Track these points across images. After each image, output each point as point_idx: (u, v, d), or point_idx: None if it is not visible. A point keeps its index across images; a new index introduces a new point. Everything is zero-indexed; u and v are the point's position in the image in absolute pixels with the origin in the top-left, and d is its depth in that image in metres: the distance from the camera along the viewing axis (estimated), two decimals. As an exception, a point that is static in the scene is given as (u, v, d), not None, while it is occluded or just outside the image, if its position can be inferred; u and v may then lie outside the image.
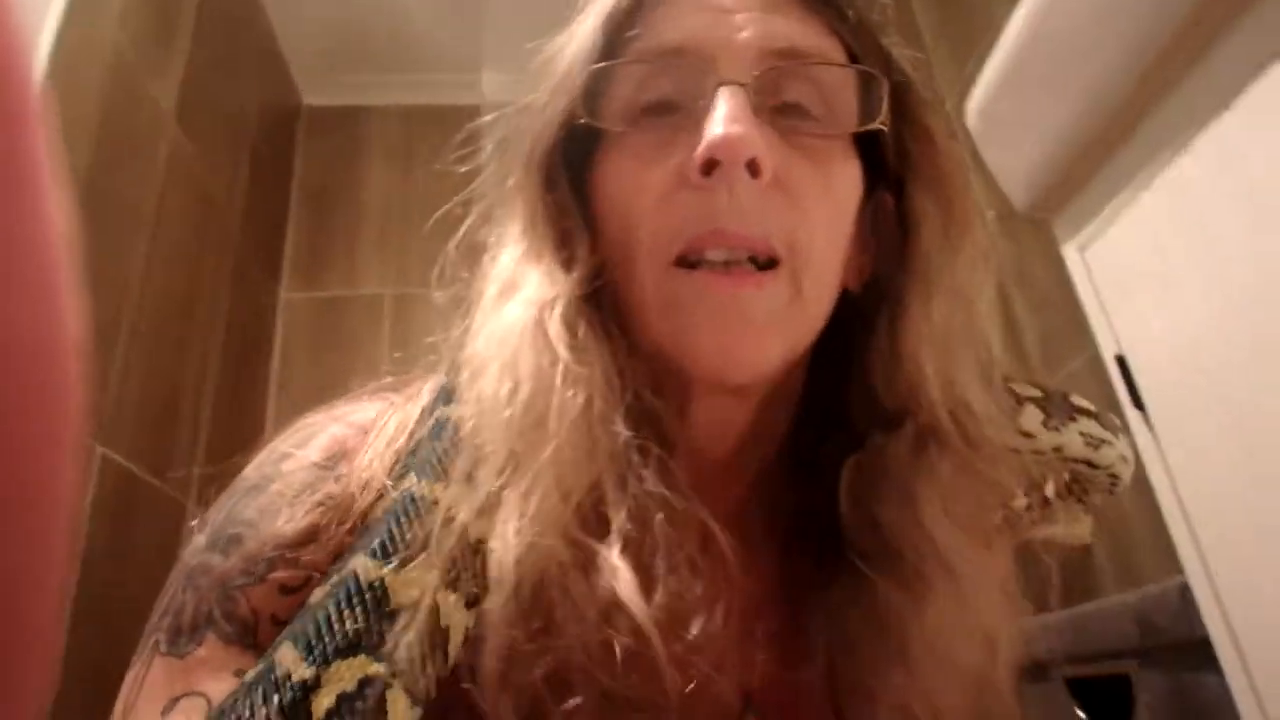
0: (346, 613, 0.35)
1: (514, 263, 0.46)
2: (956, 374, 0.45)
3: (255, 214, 1.89)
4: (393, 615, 0.35)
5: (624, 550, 0.38)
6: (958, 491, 0.44)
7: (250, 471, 0.46)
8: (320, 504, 0.43)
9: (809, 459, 0.49)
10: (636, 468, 0.40)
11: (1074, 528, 0.77)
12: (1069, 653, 0.98)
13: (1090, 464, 0.56)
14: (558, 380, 0.41)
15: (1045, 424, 0.53)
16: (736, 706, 0.44)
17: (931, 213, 0.47)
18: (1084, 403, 0.56)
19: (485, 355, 0.43)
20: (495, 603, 0.37)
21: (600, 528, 0.39)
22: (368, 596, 0.35)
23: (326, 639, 0.34)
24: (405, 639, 0.34)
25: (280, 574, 0.41)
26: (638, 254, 0.43)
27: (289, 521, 0.42)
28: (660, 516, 0.39)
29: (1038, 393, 0.55)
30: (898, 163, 0.49)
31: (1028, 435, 0.53)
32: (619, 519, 0.39)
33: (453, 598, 0.37)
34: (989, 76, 1.02)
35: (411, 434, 0.45)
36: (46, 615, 0.17)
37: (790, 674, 0.45)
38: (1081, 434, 0.55)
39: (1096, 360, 1.01)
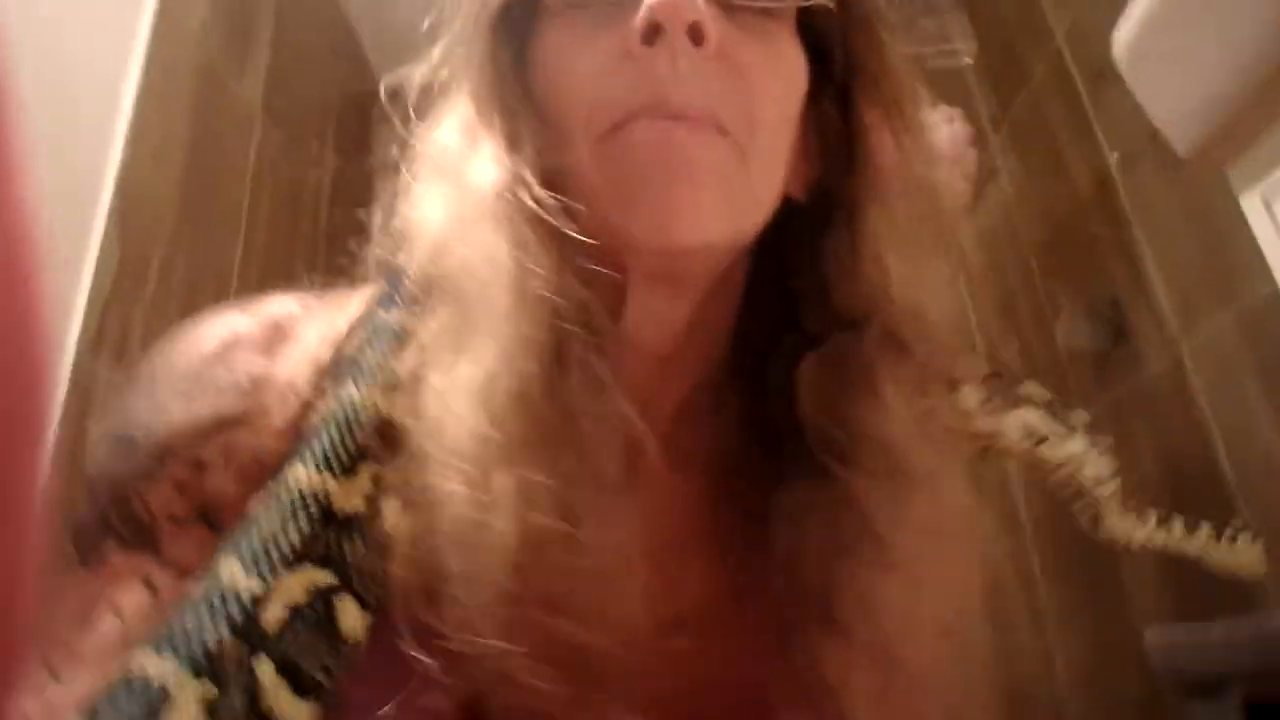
0: (290, 524, 0.34)
1: (462, 131, 0.45)
2: (921, 275, 0.45)
3: (340, 200, 1.89)
4: (337, 524, 0.34)
5: (534, 460, 0.37)
6: (920, 392, 0.44)
7: (143, 370, 0.44)
8: (217, 397, 0.41)
9: (754, 364, 0.47)
10: (565, 365, 0.39)
11: (1234, 559, 0.71)
12: (1252, 671, 0.89)
13: (1033, 458, 0.55)
14: (507, 271, 0.40)
15: (983, 405, 0.52)
16: (665, 628, 0.42)
17: (880, 119, 0.46)
18: (1038, 394, 0.55)
19: (432, 236, 0.42)
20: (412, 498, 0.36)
21: (521, 428, 0.37)
22: (311, 507, 0.35)
23: (272, 551, 0.34)
24: (350, 547, 0.34)
25: (175, 472, 0.40)
26: (575, 130, 0.41)
27: (181, 417, 0.41)
28: (583, 422, 0.38)
29: (986, 371, 0.54)
30: (844, 69, 0.47)
31: (963, 414, 0.52)
32: (515, 433, 0.37)
33: (395, 504, 0.36)
34: (1142, 4, 0.91)
35: (340, 346, 0.43)
36: (21, 607, 0.17)
37: (732, 599, 0.44)
38: (1024, 425, 0.54)
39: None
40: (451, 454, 0.37)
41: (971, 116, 1.54)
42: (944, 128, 1.42)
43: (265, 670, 0.31)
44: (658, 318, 0.45)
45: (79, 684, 0.33)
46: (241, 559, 0.33)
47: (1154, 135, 1.21)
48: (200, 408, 0.41)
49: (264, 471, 0.39)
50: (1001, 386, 0.54)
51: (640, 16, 0.39)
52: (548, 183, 0.41)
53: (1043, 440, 0.55)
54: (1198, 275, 1.17)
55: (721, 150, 0.41)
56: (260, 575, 0.33)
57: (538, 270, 0.39)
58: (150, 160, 1.15)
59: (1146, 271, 1.28)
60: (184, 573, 0.37)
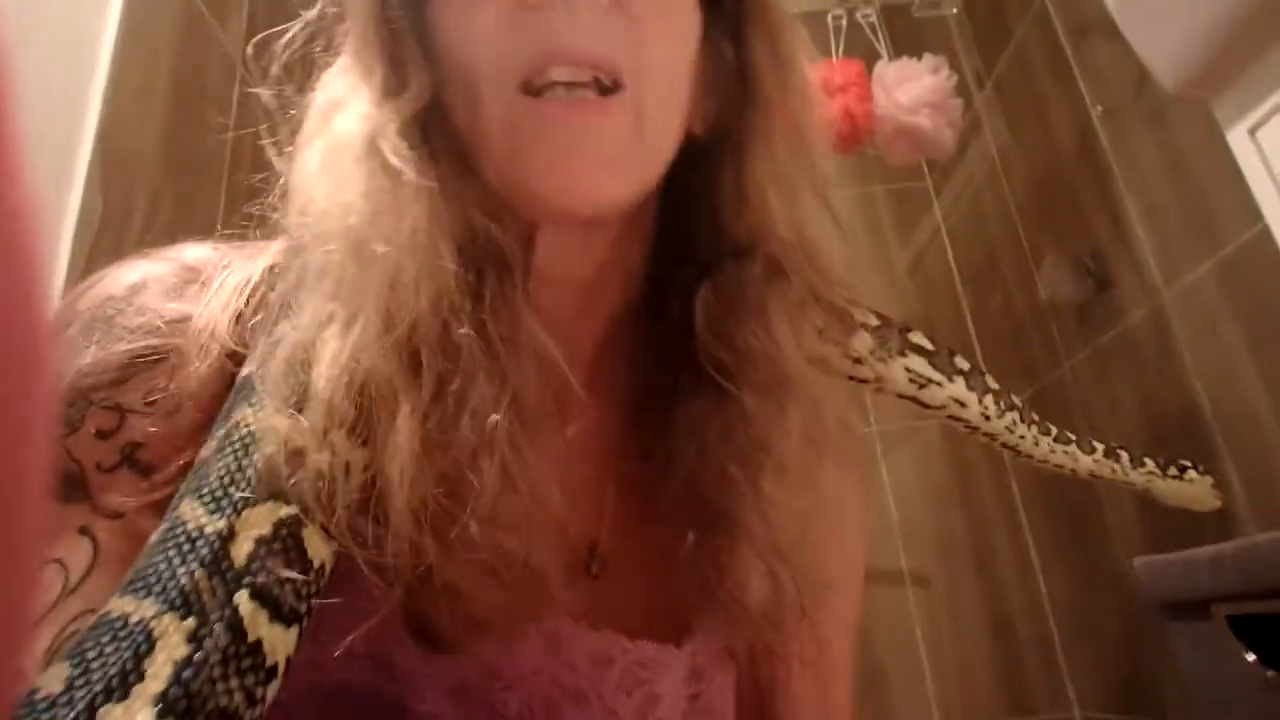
0: (246, 463, 0.35)
1: (344, 82, 0.45)
2: (798, 207, 0.48)
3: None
4: (292, 459, 0.35)
5: (437, 396, 0.38)
6: (803, 314, 0.48)
7: (56, 320, 0.44)
8: (128, 341, 0.41)
9: (663, 294, 0.50)
10: (463, 302, 0.39)
11: (1184, 492, 0.77)
12: (1234, 590, 0.92)
13: (917, 401, 0.60)
14: (385, 202, 0.40)
15: (873, 353, 0.56)
16: (580, 556, 0.46)
17: (765, 59, 0.48)
18: (923, 342, 0.60)
19: (312, 176, 0.42)
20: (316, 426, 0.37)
21: (415, 369, 0.38)
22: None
23: (232, 490, 0.34)
24: (307, 480, 0.35)
25: (96, 419, 0.40)
26: (480, 82, 0.42)
27: (93, 363, 0.40)
28: (489, 355, 0.39)
29: (875, 322, 0.57)
30: (735, 11, 0.49)
31: (855, 360, 0.56)
32: (434, 363, 0.38)
33: (343, 436, 0.37)
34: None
35: (254, 295, 0.44)
36: (19, 597, 0.17)
37: (644, 525, 0.47)
38: (907, 369, 0.59)
39: (1261, 242, 0.93)
40: (366, 401, 0.38)
41: (956, 67, 1.54)
42: (928, 77, 1.42)
43: (243, 600, 0.32)
44: (569, 255, 0.47)
45: (35, 640, 0.33)
46: (203, 501, 0.34)
47: (1138, 88, 1.22)
48: (112, 352, 0.41)
49: (191, 414, 0.40)
50: (889, 334, 0.59)
51: None
52: (445, 126, 0.44)
53: (924, 385, 0.61)
54: (1179, 225, 1.19)
55: (619, 116, 0.42)
56: (223, 513, 0.34)
57: (402, 220, 0.40)
58: (131, 110, 1.13)
59: (1128, 222, 1.30)
60: (119, 518, 0.38)
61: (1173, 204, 1.21)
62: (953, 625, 1.60)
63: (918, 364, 0.61)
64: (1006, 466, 1.66)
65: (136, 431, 0.40)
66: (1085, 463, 0.77)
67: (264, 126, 0.47)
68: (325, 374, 0.37)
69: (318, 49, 0.49)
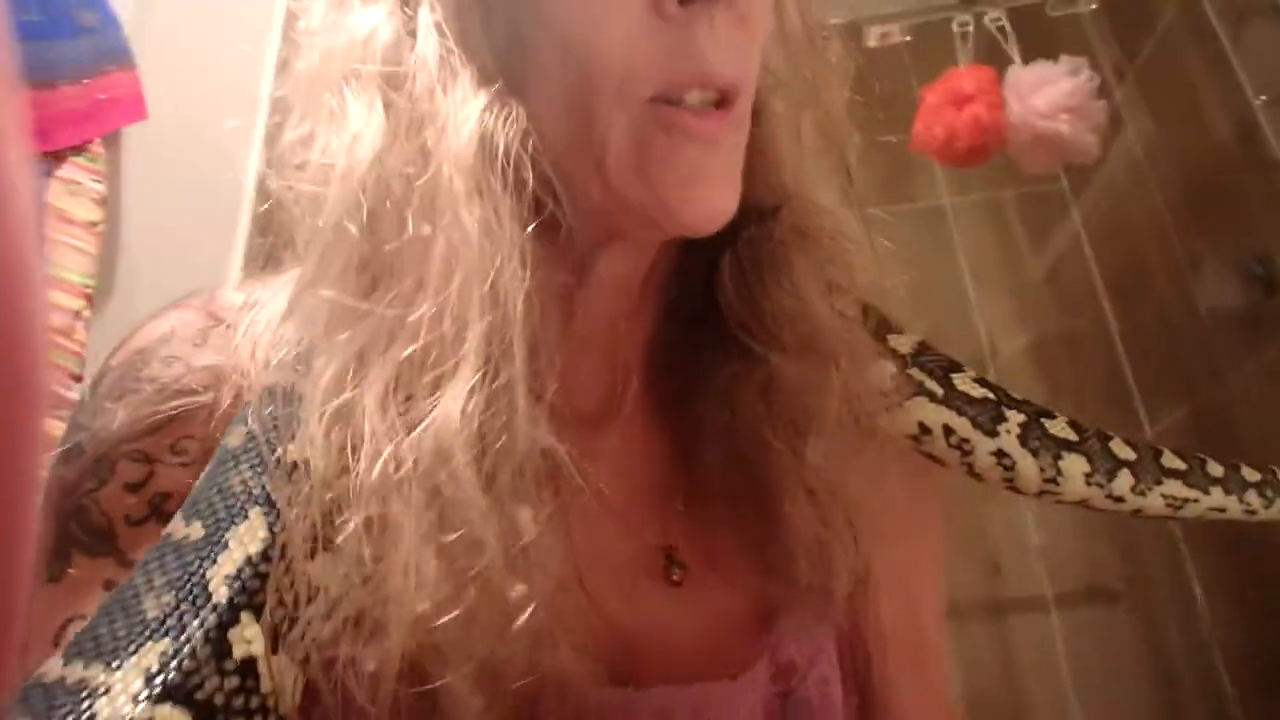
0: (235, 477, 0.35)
1: (428, 73, 0.38)
2: (812, 174, 0.46)
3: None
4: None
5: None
6: (828, 275, 0.46)
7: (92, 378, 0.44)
8: (155, 393, 0.41)
9: (686, 272, 0.49)
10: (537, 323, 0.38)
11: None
12: None
13: (932, 457, 0.52)
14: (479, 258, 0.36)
15: (894, 380, 0.51)
16: (660, 563, 0.45)
17: (798, 35, 0.46)
18: (936, 388, 0.51)
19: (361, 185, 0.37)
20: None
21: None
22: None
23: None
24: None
25: (125, 473, 0.39)
26: (600, 93, 0.38)
27: (122, 417, 0.40)
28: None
29: (908, 350, 0.52)
30: None
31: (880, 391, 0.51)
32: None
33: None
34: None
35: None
36: (13, 592, 0.17)
37: (709, 527, 0.46)
38: (920, 418, 0.51)
39: None
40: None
41: (1094, 65, 1.45)
42: (1066, 80, 1.34)
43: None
44: (636, 263, 0.46)
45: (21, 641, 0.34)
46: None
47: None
48: (139, 405, 0.41)
49: None
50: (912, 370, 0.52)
51: None
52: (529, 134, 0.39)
53: (923, 437, 0.52)
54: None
55: (738, 130, 0.41)
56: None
57: (511, 263, 0.37)
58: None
59: (1301, 221, 1.18)
60: None
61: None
62: (1104, 662, 1.50)
63: (926, 411, 0.52)
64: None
65: (165, 481, 0.40)
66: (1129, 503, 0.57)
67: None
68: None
69: None
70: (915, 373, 0.50)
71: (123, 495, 0.40)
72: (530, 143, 0.38)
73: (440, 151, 0.37)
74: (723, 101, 0.40)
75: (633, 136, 0.39)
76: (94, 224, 1.03)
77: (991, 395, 0.51)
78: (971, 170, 1.60)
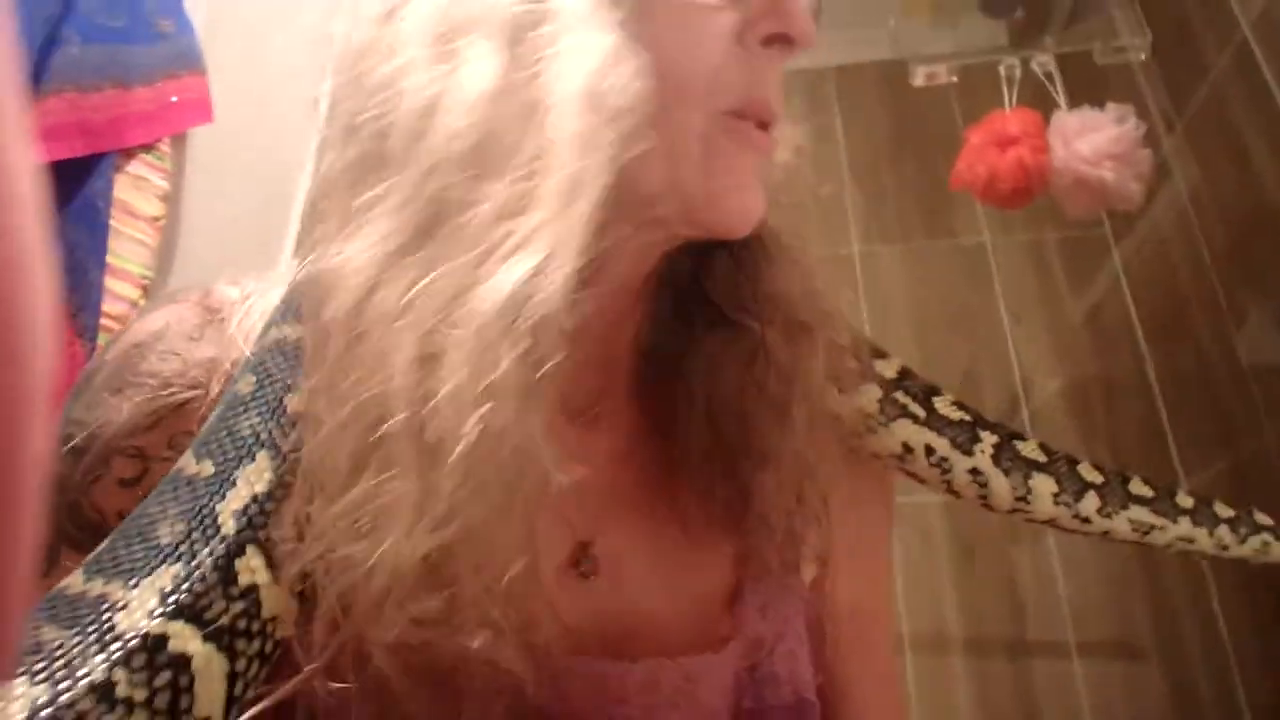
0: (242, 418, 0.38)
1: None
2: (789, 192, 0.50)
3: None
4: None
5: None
6: (804, 270, 0.49)
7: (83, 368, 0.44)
8: (150, 388, 0.41)
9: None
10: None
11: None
12: None
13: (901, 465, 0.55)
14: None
15: (880, 403, 0.53)
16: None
17: None
18: (919, 410, 0.54)
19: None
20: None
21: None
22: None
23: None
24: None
25: (118, 468, 0.40)
26: (684, 99, 0.42)
27: (116, 410, 0.40)
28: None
29: (892, 375, 0.54)
30: None
31: (865, 413, 0.54)
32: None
33: None
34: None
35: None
36: (14, 573, 0.17)
37: (684, 509, 0.48)
38: (903, 438, 0.53)
39: None
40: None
41: (1143, 113, 1.45)
42: (1112, 127, 1.34)
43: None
44: (645, 262, 0.48)
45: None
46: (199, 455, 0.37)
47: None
48: (137, 401, 0.41)
49: None
50: (892, 396, 0.55)
51: (778, 27, 0.43)
52: None
53: (907, 455, 0.55)
54: None
55: (772, 151, 0.46)
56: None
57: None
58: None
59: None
60: None
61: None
62: (1130, 714, 1.47)
63: (909, 431, 0.54)
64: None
65: (160, 478, 0.39)
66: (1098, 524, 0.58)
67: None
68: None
69: None
70: (899, 396, 0.53)
71: (117, 491, 0.40)
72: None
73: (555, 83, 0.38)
74: (764, 124, 0.44)
75: (703, 139, 0.42)
76: (156, 219, 1.07)
77: (968, 417, 0.54)
78: (1016, 211, 1.61)
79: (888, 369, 0.55)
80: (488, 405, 0.34)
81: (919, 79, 1.48)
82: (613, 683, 0.43)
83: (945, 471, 0.54)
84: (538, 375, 0.35)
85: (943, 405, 0.54)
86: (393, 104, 0.38)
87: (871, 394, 0.53)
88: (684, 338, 0.50)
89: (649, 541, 0.48)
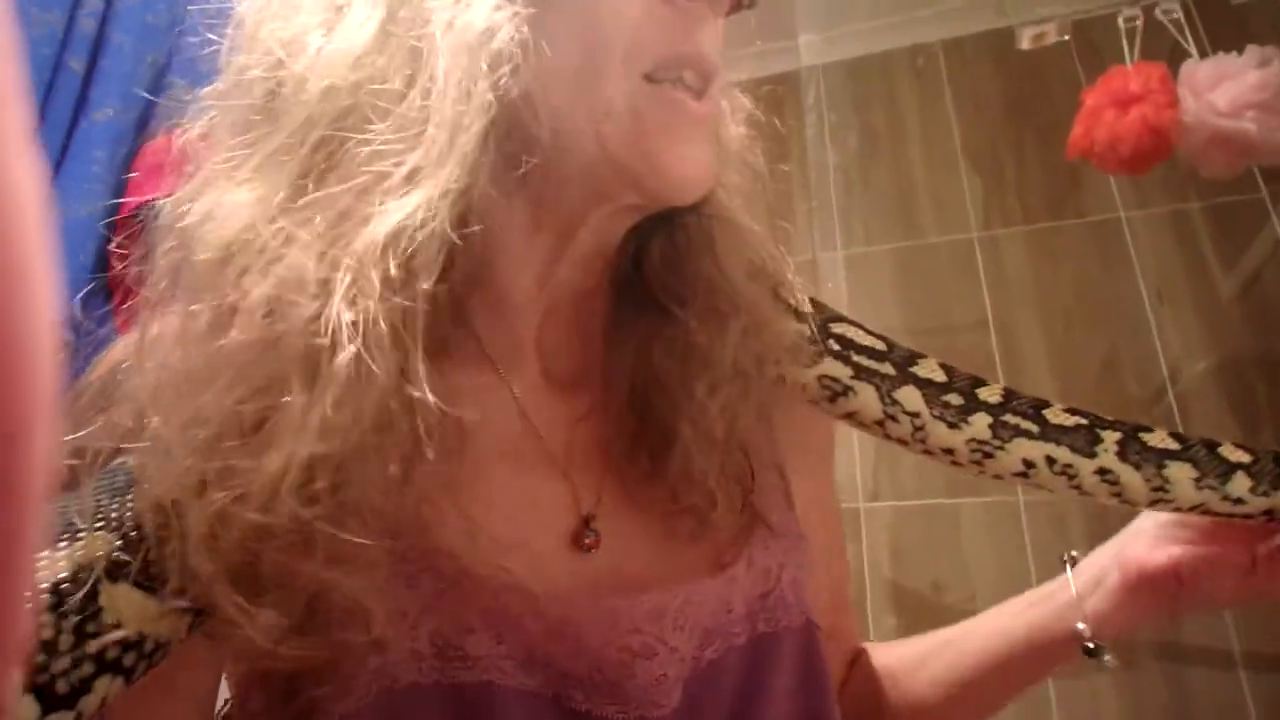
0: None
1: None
2: (733, 173, 0.52)
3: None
4: None
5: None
6: (746, 255, 0.51)
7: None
8: (120, 408, 0.41)
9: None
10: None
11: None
12: None
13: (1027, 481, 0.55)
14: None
15: (991, 429, 0.54)
16: (576, 527, 0.49)
17: None
18: (1031, 427, 0.54)
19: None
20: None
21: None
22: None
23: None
24: None
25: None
26: (607, 61, 0.43)
27: (100, 429, 0.41)
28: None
29: (997, 400, 0.54)
30: None
31: (977, 440, 0.54)
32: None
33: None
34: None
35: None
36: (12, 596, 0.17)
37: (644, 487, 0.50)
38: (1022, 456, 0.53)
39: None
40: None
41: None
42: (1252, 73, 1.20)
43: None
44: (610, 233, 0.50)
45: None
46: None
47: None
48: (121, 419, 0.42)
49: None
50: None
51: None
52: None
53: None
54: None
55: (715, 115, 0.48)
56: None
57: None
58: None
59: None
60: None
61: None
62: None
63: (1029, 448, 0.54)
64: None
65: None
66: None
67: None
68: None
69: None
70: (1009, 418, 0.54)
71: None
72: (527, 55, 0.41)
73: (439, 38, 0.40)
74: (703, 91, 0.46)
75: (633, 108, 0.44)
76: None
77: (1084, 421, 0.54)
78: (1152, 179, 1.47)
79: (992, 395, 0.55)
80: (359, 339, 0.36)
81: (1025, 41, 1.38)
82: (623, 615, 0.45)
83: (1072, 478, 0.53)
84: (411, 313, 0.38)
85: (1054, 415, 0.54)
86: (281, 59, 0.42)
87: (980, 422, 0.53)
88: (632, 324, 0.53)
89: (644, 513, 0.50)
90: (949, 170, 1.87)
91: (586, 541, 0.49)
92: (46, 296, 0.17)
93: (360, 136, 0.39)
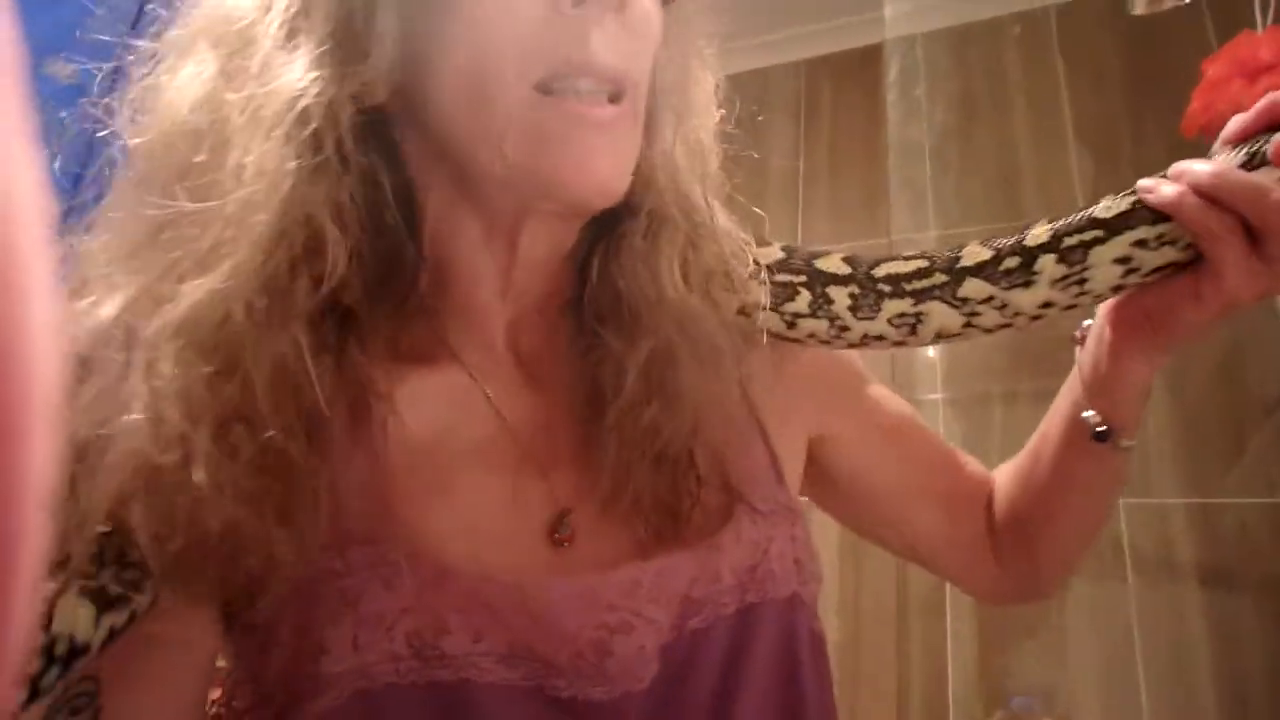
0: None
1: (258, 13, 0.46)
2: (678, 174, 0.53)
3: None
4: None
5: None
6: (685, 263, 0.53)
7: None
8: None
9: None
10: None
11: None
12: None
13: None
14: (314, 181, 0.44)
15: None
16: (552, 522, 0.50)
17: (664, 61, 0.52)
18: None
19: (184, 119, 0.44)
20: None
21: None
22: None
23: None
24: None
25: None
26: (494, 76, 0.44)
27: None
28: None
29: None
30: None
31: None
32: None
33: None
34: None
35: None
36: (15, 601, 0.17)
37: (620, 481, 0.51)
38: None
39: None
40: None
41: None
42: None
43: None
44: (552, 241, 0.52)
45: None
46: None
47: None
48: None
49: None
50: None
51: None
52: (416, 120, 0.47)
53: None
54: None
55: (628, 120, 0.48)
56: None
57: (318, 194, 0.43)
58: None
59: None
60: None
61: None
62: None
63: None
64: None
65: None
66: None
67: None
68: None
69: None
70: (1073, 249, 0.52)
71: None
72: (345, 112, 0.44)
73: (257, 99, 0.43)
74: (615, 96, 0.46)
75: (530, 123, 0.45)
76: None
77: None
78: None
79: (1040, 235, 0.53)
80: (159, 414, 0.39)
81: (1139, 6, 1.26)
82: (598, 594, 0.46)
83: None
84: (214, 387, 0.41)
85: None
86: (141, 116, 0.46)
87: (1047, 264, 0.52)
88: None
89: (619, 507, 0.51)
90: (1057, 147, 1.74)
91: (559, 536, 0.50)
92: (46, 297, 0.17)
93: (172, 207, 0.42)
